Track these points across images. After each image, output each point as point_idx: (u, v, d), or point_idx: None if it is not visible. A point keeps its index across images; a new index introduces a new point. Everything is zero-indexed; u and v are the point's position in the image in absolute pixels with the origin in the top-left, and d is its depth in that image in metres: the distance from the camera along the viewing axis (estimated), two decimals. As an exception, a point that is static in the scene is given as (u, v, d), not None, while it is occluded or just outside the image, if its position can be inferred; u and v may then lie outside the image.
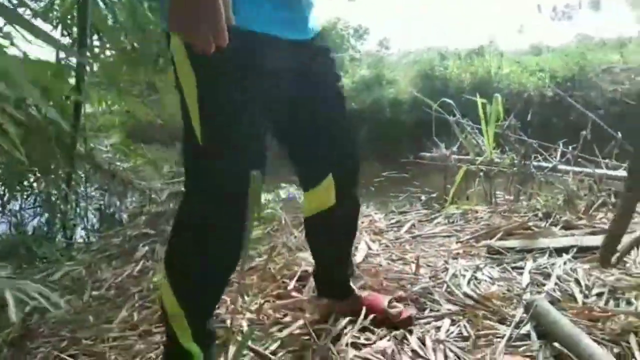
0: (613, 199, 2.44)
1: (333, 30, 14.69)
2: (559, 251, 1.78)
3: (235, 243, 1.00)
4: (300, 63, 1.13)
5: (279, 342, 1.29)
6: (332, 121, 1.24)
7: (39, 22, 2.85)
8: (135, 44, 3.15)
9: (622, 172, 2.70)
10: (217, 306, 1.29)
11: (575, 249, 1.77)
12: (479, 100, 2.99)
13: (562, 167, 2.98)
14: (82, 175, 3.31)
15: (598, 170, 2.77)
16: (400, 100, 7.55)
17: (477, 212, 2.47)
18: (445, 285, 1.59)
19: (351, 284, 1.45)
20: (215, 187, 1.04)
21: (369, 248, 2.07)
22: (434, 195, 3.36)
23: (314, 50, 1.18)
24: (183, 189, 1.13)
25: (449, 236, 2.15)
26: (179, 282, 1.09)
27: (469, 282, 1.61)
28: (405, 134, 6.35)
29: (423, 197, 3.36)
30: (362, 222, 2.51)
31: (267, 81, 1.05)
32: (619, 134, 2.78)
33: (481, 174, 2.86)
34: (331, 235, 1.36)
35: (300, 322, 1.37)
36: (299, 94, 1.16)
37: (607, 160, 2.80)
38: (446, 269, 1.72)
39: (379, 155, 6.14)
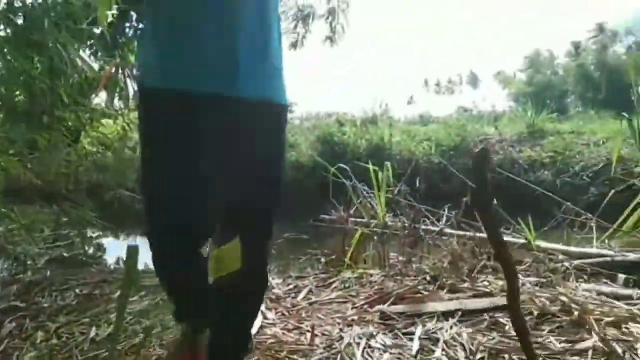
0: (492, 262, 2.64)
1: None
2: (446, 315, 1.86)
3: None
4: (219, 120, 1.15)
5: None
6: (249, 184, 1.20)
7: None
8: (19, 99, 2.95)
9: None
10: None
11: (460, 313, 1.86)
12: (371, 167, 3.15)
13: (448, 230, 3.18)
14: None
15: (479, 234, 3.00)
16: (301, 163, 7.71)
17: (371, 275, 2.53)
18: (339, 356, 1.57)
19: None
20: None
21: (265, 317, 2.01)
22: (333, 257, 3.40)
23: (243, 108, 1.17)
24: None
25: (344, 302, 2.15)
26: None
27: (363, 351, 1.61)
28: (305, 197, 6.45)
29: (322, 259, 3.38)
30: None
31: (175, 139, 1.16)
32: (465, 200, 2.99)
33: (375, 237, 2.96)
34: (232, 303, 1.28)
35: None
36: (213, 150, 1.19)
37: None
38: (341, 338, 1.71)
39: (279, 217, 6.14)
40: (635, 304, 1.79)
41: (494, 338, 1.64)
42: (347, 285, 2.39)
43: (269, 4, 1.22)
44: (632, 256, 2.11)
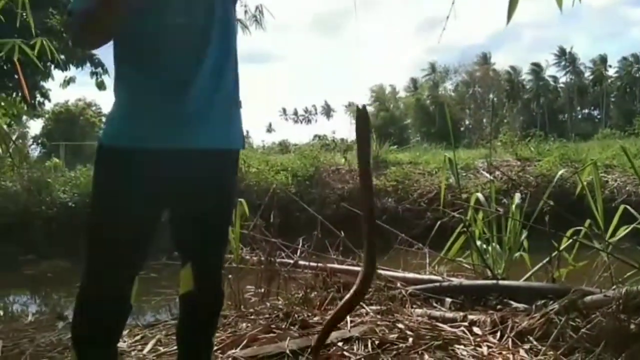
0: (341, 293, 2.78)
1: (81, 117, 13.75)
2: (295, 354, 1.91)
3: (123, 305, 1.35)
4: (180, 170, 1.30)
5: None
6: (202, 222, 1.39)
7: None
8: None
9: (348, 267, 3.13)
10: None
11: (309, 350, 1.92)
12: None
13: (302, 262, 3.28)
14: None
15: (330, 265, 3.15)
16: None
17: (225, 317, 2.48)
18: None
19: None
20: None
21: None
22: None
23: (203, 158, 1.32)
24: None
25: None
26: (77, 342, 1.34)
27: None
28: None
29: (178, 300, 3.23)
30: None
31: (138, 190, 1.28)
32: (342, 233, 3.23)
33: (230, 275, 2.92)
34: (192, 316, 1.49)
35: None
36: (179, 195, 1.35)
37: (334, 256, 3.21)
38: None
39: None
40: (458, 326, 2.02)
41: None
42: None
43: (229, 54, 1.38)
44: (455, 281, 2.39)
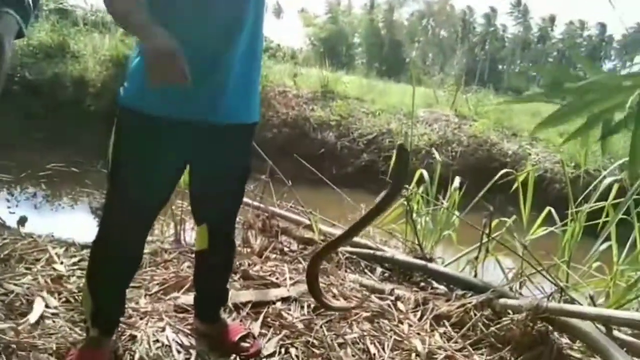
0: (282, 243, 2.92)
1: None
2: (237, 307, 2.03)
3: (135, 253, 1.54)
4: (201, 141, 1.41)
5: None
6: (219, 191, 1.54)
7: None
8: None
9: (288, 213, 3.24)
10: (122, 301, 1.62)
11: (250, 305, 2.05)
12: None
13: (246, 199, 3.33)
14: None
15: (271, 208, 3.25)
16: (86, 80, 6.86)
17: (166, 252, 2.54)
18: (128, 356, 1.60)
19: (220, 312, 1.79)
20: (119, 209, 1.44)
21: (46, 305, 1.88)
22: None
23: (223, 131, 1.41)
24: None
25: (138, 287, 2.14)
26: (92, 282, 1.51)
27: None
28: (90, 124, 5.82)
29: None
30: (38, 260, 2.25)
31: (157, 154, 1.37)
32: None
33: (172, 207, 2.93)
34: (206, 269, 1.71)
35: None
36: (197, 164, 1.50)
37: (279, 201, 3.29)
38: (132, 337, 1.72)
39: (47, 145, 5.47)
40: (385, 299, 2.24)
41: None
42: (141, 263, 2.35)
43: (261, 19, 1.40)
44: (388, 252, 2.59)
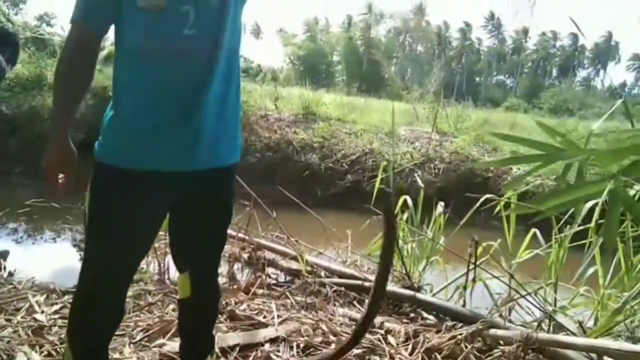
0: (269, 276, 2.89)
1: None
2: (224, 352, 1.98)
3: (116, 308, 1.46)
4: (182, 187, 1.38)
5: None
6: (201, 236, 1.50)
7: None
8: None
9: (274, 244, 3.21)
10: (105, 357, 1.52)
11: (237, 348, 2.01)
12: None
13: (230, 231, 3.28)
14: None
15: (257, 239, 3.21)
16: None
17: (150, 293, 2.48)
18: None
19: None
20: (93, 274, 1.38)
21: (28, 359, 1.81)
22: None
23: (202, 179, 1.38)
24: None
25: (122, 334, 2.08)
26: (72, 338, 1.44)
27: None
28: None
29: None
30: (18, 310, 2.18)
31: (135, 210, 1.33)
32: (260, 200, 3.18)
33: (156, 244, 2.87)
34: (191, 318, 1.64)
35: None
36: (177, 211, 1.46)
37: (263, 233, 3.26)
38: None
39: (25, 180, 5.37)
40: (376, 333, 2.21)
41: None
42: (135, 309, 2.29)
43: (236, 57, 1.39)
44: (376, 283, 2.56)
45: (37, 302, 2.29)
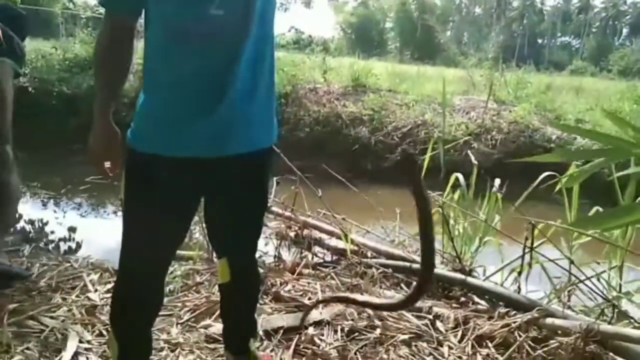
0: (316, 255, 2.85)
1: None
2: (268, 334, 1.98)
3: (155, 296, 1.47)
4: (219, 175, 1.36)
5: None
6: (237, 224, 1.48)
7: None
8: None
9: (321, 222, 3.16)
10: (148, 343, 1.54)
11: (281, 331, 1.99)
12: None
13: (275, 209, 3.27)
14: None
15: (302, 217, 3.18)
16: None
17: (198, 273, 2.52)
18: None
19: (250, 344, 1.67)
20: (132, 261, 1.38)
21: (80, 340, 1.88)
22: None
23: (235, 165, 1.34)
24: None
25: (169, 314, 2.12)
26: (115, 326, 1.47)
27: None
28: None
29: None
30: (74, 289, 2.27)
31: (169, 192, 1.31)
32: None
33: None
34: (231, 302, 1.65)
35: None
36: (211, 198, 1.45)
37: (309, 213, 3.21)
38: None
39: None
40: (423, 318, 2.14)
41: None
42: (172, 288, 2.34)
43: (268, 38, 1.32)
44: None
45: (91, 281, 2.37)
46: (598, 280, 2.29)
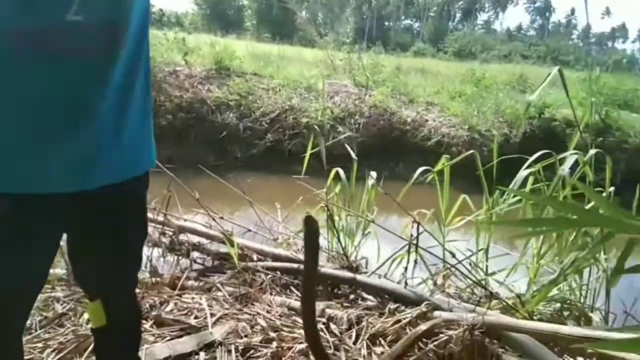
0: (195, 262, 2.65)
1: None
2: (155, 366, 1.78)
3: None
4: (74, 214, 1.13)
5: None
6: (116, 259, 1.26)
7: None
8: None
9: (196, 224, 2.95)
10: None
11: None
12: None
13: (150, 215, 2.96)
14: None
15: (177, 222, 2.93)
16: None
17: (59, 301, 2.17)
18: None
19: None
20: None
21: None
22: None
23: (104, 197, 1.13)
24: None
25: (42, 349, 1.78)
26: None
27: None
28: None
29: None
30: None
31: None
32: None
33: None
34: (110, 350, 1.40)
35: None
36: (75, 235, 1.20)
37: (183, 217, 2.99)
38: None
39: None
40: (317, 322, 2.10)
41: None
42: (27, 326, 1.97)
43: (140, 60, 1.12)
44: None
45: None
46: (470, 264, 2.48)
